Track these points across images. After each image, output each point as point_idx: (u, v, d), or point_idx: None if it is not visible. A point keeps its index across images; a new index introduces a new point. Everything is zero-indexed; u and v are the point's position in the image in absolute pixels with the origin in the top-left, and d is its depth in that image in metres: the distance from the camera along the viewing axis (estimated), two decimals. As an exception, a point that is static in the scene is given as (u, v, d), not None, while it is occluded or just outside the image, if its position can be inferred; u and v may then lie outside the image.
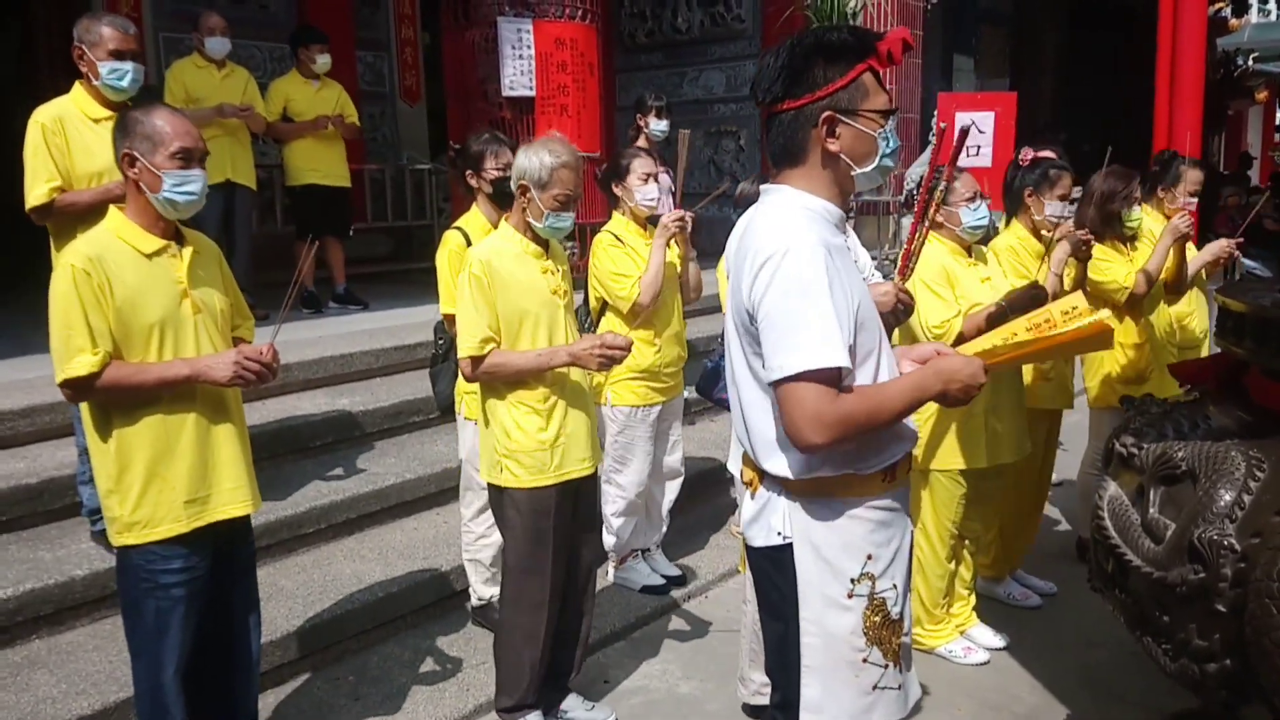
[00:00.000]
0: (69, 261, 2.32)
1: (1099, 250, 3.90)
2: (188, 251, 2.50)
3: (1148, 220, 4.37)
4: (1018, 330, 2.04)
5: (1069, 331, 1.99)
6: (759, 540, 2.00)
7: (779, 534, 1.94)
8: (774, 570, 1.97)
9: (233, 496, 2.54)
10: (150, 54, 7.56)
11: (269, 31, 8.38)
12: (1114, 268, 3.96)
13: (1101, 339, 1.98)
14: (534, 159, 2.88)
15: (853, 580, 1.91)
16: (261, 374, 2.46)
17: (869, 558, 1.92)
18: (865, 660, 1.93)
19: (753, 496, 2.03)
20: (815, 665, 1.94)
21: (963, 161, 6.12)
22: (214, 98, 5.72)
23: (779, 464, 1.91)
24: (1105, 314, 1.98)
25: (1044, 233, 3.82)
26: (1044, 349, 2.02)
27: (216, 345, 2.52)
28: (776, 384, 1.80)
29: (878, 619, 1.93)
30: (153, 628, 2.46)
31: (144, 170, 2.39)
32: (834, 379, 1.77)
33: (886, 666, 1.95)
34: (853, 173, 1.91)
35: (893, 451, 1.95)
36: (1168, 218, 4.43)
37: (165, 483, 2.43)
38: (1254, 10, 17.61)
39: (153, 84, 6.34)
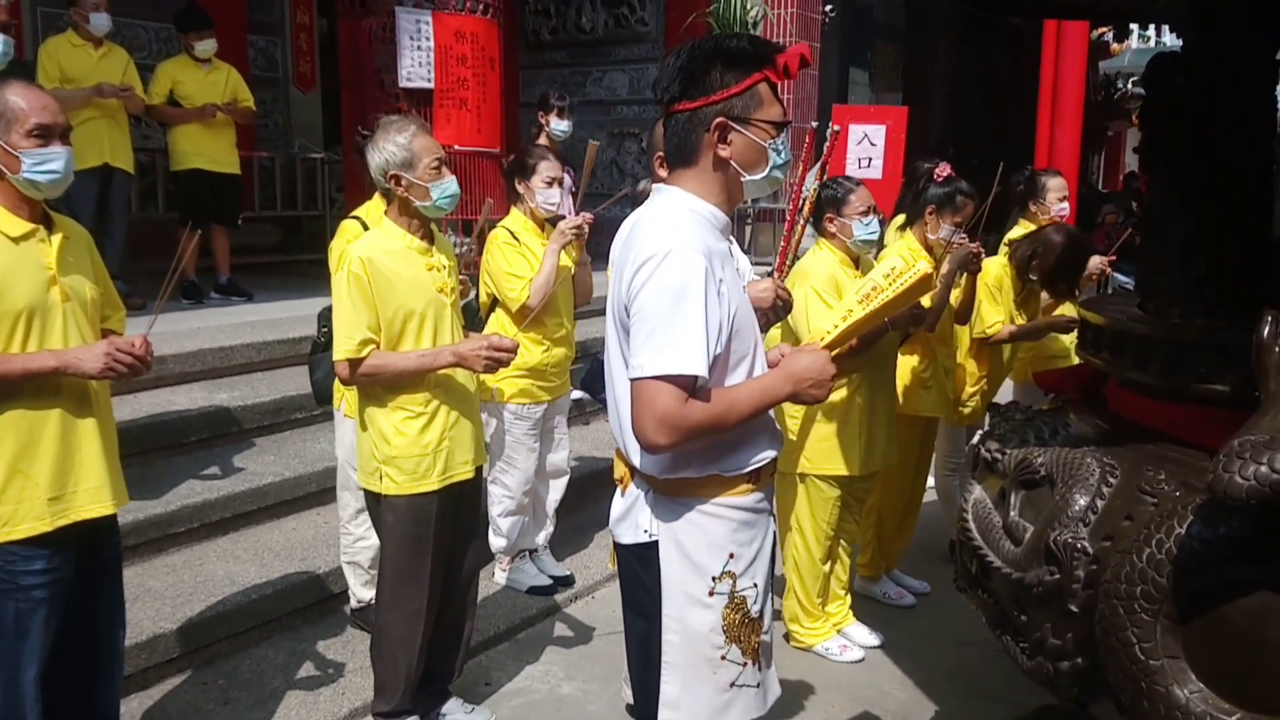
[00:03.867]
0: None
1: (986, 289, 4.10)
2: (57, 236, 2.39)
3: (1024, 232, 4.54)
4: (852, 308, 2.10)
5: (895, 291, 2.05)
6: (626, 538, 2.02)
7: (645, 531, 1.97)
8: (640, 568, 1.99)
9: (96, 495, 2.44)
10: (27, 28, 7.18)
11: (155, 10, 8.04)
12: (990, 309, 4.17)
13: (924, 285, 2.05)
14: (388, 146, 2.80)
15: (714, 578, 1.94)
16: (134, 366, 2.36)
17: (731, 556, 1.95)
18: (724, 658, 1.96)
19: (622, 494, 2.06)
20: (675, 662, 1.96)
21: (855, 173, 6.27)
22: (91, 77, 5.49)
23: (648, 462, 1.93)
24: (922, 265, 2.05)
25: (934, 249, 3.92)
26: (878, 311, 2.07)
27: (85, 335, 2.42)
28: (634, 381, 1.82)
29: (737, 617, 1.96)
30: (11, 630, 2.34)
31: (1, 151, 2.27)
32: (688, 385, 1.80)
33: (745, 664, 1.98)
34: (742, 179, 1.93)
35: (758, 454, 1.99)
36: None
37: (28, 479, 2.31)
38: (1134, 35, 18.47)
39: (28, 59, 6.03)
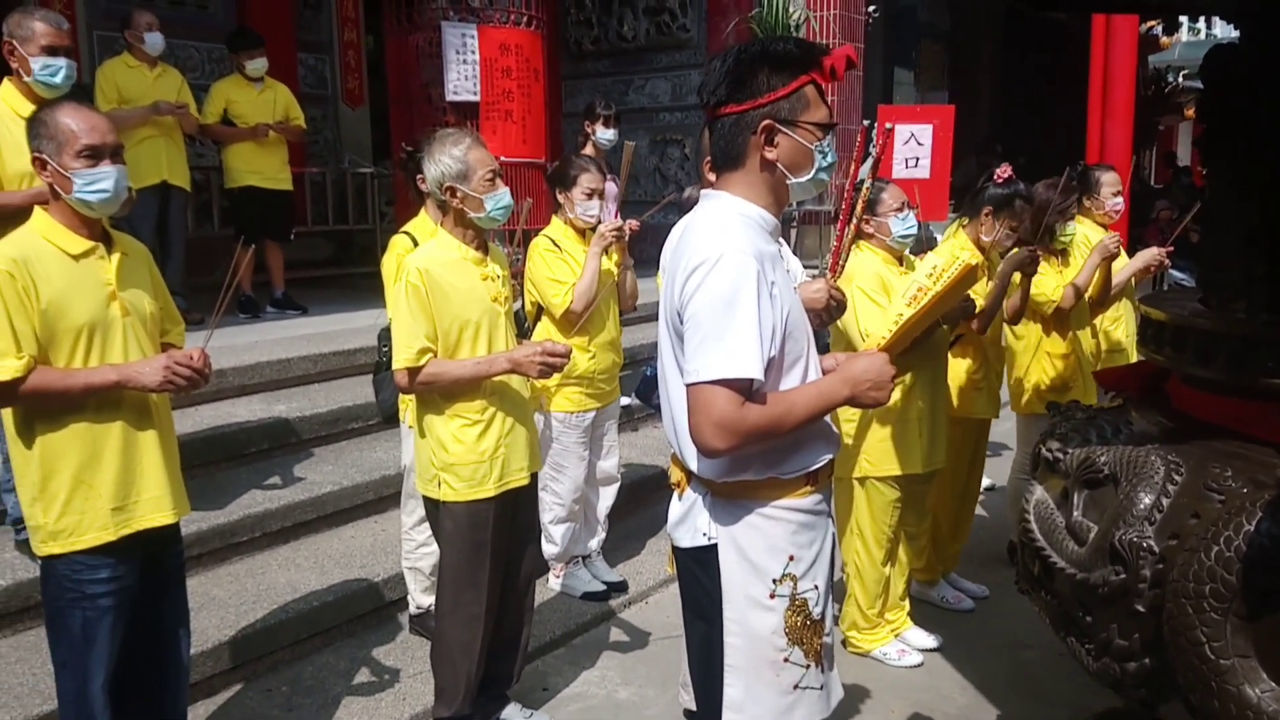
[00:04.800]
0: None
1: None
2: (116, 253, 2.45)
3: (1082, 229, 4.49)
4: (901, 310, 2.10)
5: (944, 286, 2.05)
6: (685, 541, 2.02)
7: (704, 535, 1.97)
8: (699, 571, 1.99)
9: (157, 505, 2.49)
10: (84, 52, 7.39)
11: (207, 32, 8.25)
12: (1043, 280, 4.05)
13: (971, 277, 2.07)
14: (443, 159, 2.85)
15: (775, 581, 1.94)
16: (192, 379, 2.41)
17: (791, 559, 1.95)
18: (787, 660, 1.96)
19: (679, 498, 2.06)
20: (737, 665, 1.96)
21: (902, 173, 6.22)
22: (147, 98, 5.62)
23: (705, 466, 1.94)
24: (965, 257, 2.04)
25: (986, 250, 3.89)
26: (929, 309, 2.07)
27: (145, 350, 2.48)
28: (690, 386, 1.83)
29: (799, 620, 1.96)
30: (79, 639, 2.40)
31: (54, 172, 2.33)
32: (745, 389, 1.80)
33: (808, 667, 1.98)
34: (788, 181, 1.93)
35: (815, 457, 1.99)
36: (1100, 224, 4.57)
37: (91, 490, 2.37)
38: (1184, 28, 18.14)
39: (85, 83, 6.20)
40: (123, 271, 2.45)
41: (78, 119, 2.35)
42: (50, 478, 2.35)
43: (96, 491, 2.38)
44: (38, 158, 2.34)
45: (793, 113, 1.89)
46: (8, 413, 2.39)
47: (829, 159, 1.94)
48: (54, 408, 2.34)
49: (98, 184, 2.35)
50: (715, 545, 1.96)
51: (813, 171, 1.93)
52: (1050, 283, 4.05)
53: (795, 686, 1.97)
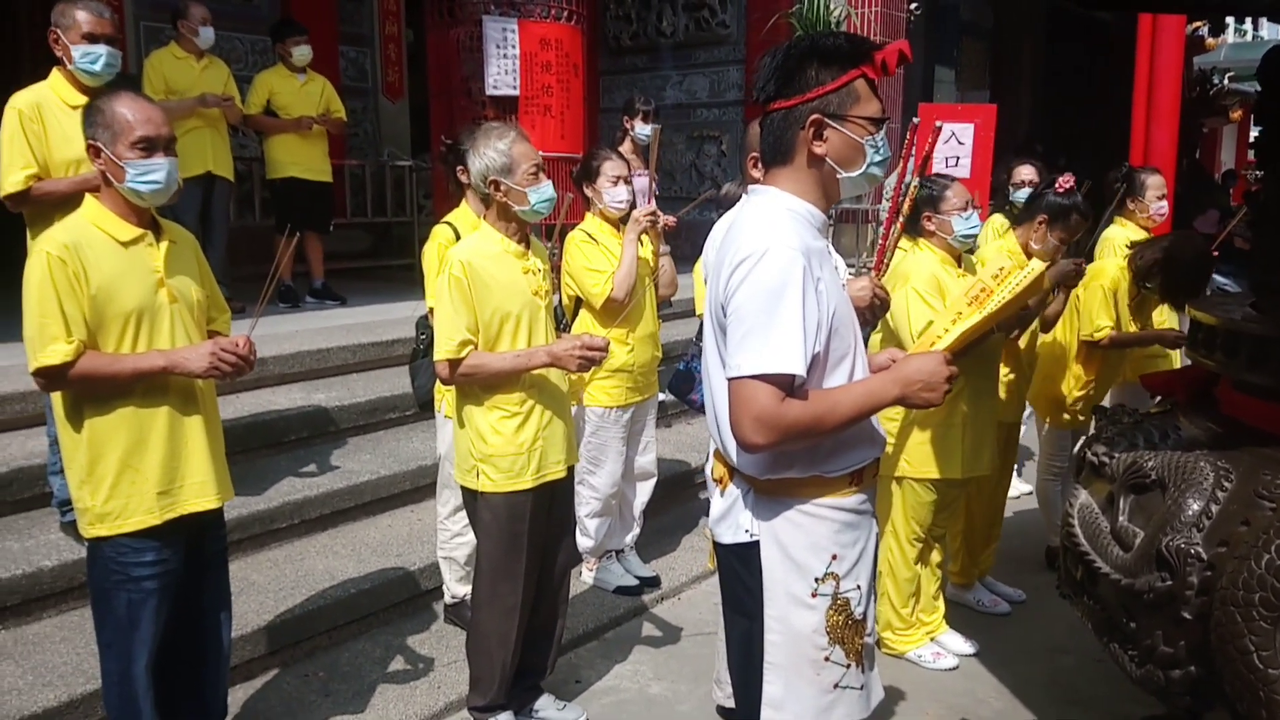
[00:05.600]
0: (44, 249, 2.30)
1: (1100, 292, 4.00)
2: (164, 241, 2.48)
3: (1121, 231, 4.44)
4: (961, 310, 2.06)
5: (1012, 292, 2.02)
6: (727, 537, 2.02)
7: (746, 531, 1.97)
8: (741, 567, 1.99)
9: (202, 490, 2.52)
10: (130, 42, 7.49)
11: (251, 24, 8.33)
12: (1103, 316, 4.05)
13: (1037, 286, 2.05)
14: (488, 152, 2.87)
15: (817, 579, 1.93)
16: (238, 366, 2.45)
17: (834, 558, 1.94)
18: (827, 659, 1.95)
19: (722, 494, 2.06)
20: (778, 662, 1.96)
21: (942, 171, 6.17)
22: (194, 89, 5.69)
23: (748, 462, 1.93)
24: (1036, 264, 2.01)
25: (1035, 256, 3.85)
26: (994, 313, 2.04)
27: (191, 336, 2.51)
28: (731, 380, 1.82)
29: (840, 619, 1.95)
30: (124, 620, 2.44)
31: (108, 161, 2.37)
32: (786, 384, 1.79)
33: (849, 666, 1.97)
34: (839, 176, 1.91)
35: (860, 456, 1.97)
36: (1143, 227, 4.51)
37: (138, 474, 2.41)
38: (1231, 30, 17.85)
39: (132, 73, 6.29)
40: (170, 259, 2.49)
41: (135, 110, 2.38)
42: (98, 461, 2.39)
43: (143, 475, 2.42)
44: (92, 145, 2.37)
45: (842, 107, 1.87)
46: (57, 397, 2.43)
47: (881, 154, 1.92)
48: (102, 392, 2.38)
49: (150, 175, 2.38)
50: (757, 542, 1.95)
51: (864, 166, 1.91)
52: (1103, 319, 4.06)
53: (835, 685, 1.96)
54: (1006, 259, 2.21)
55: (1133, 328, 4.16)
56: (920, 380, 1.88)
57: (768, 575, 1.95)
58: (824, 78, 1.86)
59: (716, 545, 2.09)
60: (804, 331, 1.78)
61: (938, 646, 3.68)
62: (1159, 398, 2.93)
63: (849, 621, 1.96)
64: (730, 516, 2.02)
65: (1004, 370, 3.93)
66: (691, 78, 10.22)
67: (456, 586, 3.69)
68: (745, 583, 1.99)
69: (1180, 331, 4.23)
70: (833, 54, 1.87)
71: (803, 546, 1.94)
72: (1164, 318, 4.47)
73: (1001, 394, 3.93)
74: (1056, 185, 3.76)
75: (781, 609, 1.95)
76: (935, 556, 3.71)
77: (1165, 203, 4.58)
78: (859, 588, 1.98)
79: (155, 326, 2.43)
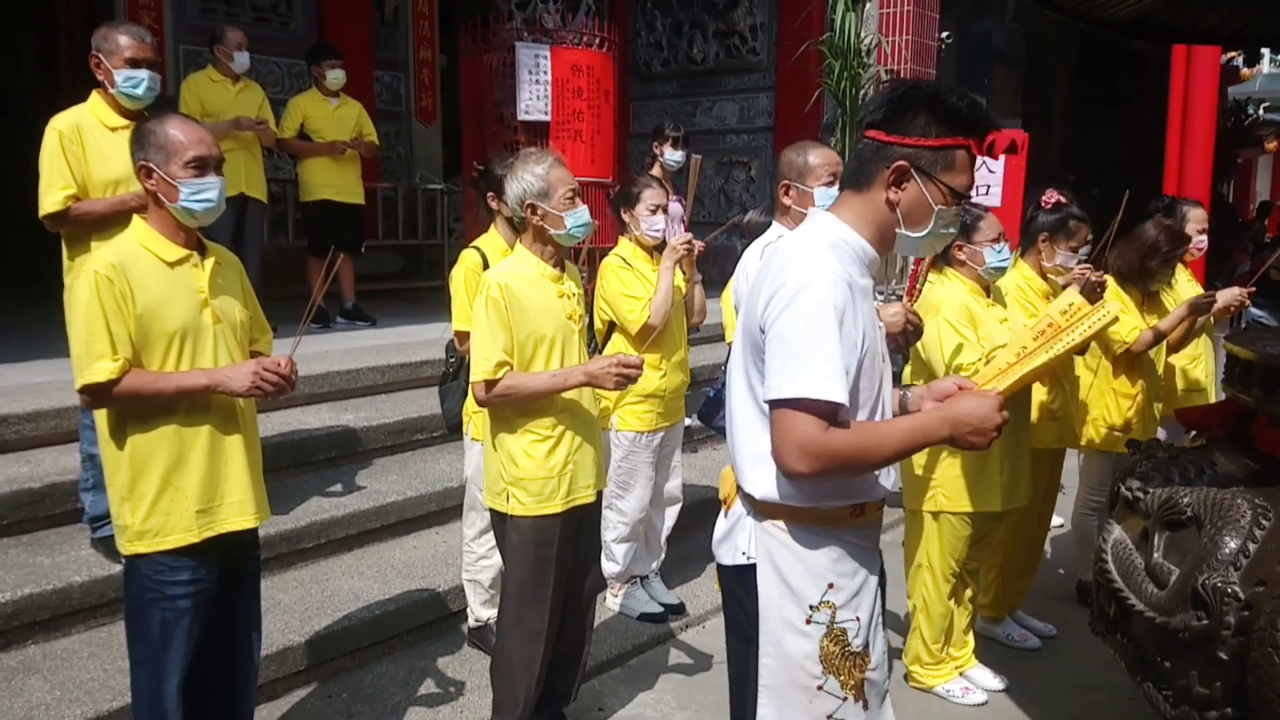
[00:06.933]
0: (93, 268, 2.34)
1: (1117, 296, 3.93)
2: (210, 262, 2.52)
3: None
4: (1025, 343, 2.03)
5: (1083, 336, 1.97)
6: (727, 559, 2.02)
7: (744, 554, 1.96)
8: (739, 590, 1.99)
9: (240, 509, 2.54)
10: (170, 66, 7.62)
11: (289, 48, 8.46)
12: (1124, 318, 3.97)
13: (1109, 327, 1.98)
14: (526, 177, 2.89)
15: (812, 607, 1.91)
16: (279, 385, 2.47)
17: (830, 586, 1.92)
18: (820, 688, 1.92)
19: (725, 514, 2.05)
20: (771, 686, 1.95)
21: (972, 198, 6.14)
22: (229, 111, 5.78)
23: (753, 483, 1.93)
24: (1114, 306, 1.95)
25: (1050, 276, 3.83)
26: (1060, 356, 1.99)
27: (234, 356, 2.54)
28: (773, 405, 1.81)
29: (837, 649, 1.92)
30: (157, 638, 2.45)
31: (160, 181, 2.41)
32: (829, 413, 1.77)
33: (845, 699, 1.94)
34: (898, 230, 1.90)
35: (862, 494, 1.95)
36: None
37: (178, 492, 2.43)
38: (1266, 60, 17.73)
39: (171, 95, 6.39)
40: (215, 279, 2.52)
41: (187, 131, 2.44)
42: (139, 478, 2.41)
43: (183, 493, 2.44)
44: (144, 165, 2.42)
45: (933, 166, 1.85)
46: (101, 414, 2.45)
47: (947, 229, 1.90)
48: (146, 410, 2.41)
49: (203, 194, 2.43)
50: (754, 565, 1.95)
51: (925, 231, 1.88)
52: (1126, 324, 3.96)
53: (829, 717, 1.94)
54: (1075, 296, 2.15)
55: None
56: (971, 424, 1.84)
57: (763, 599, 1.94)
58: (930, 131, 1.84)
59: (719, 567, 2.09)
60: (843, 362, 1.78)
61: (966, 681, 3.63)
62: (1194, 432, 2.89)
63: (846, 653, 1.93)
64: (730, 538, 2.02)
65: (1047, 397, 3.87)
66: (721, 104, 10.27)
67: (481, 610, 3.69)
68: (743, 605, 1.98)
69: (1206, 293, 4.17)
70: (949, 113, 1.85)
71: (798, 572, 1.92)
72: (1199, 352, 4.41)
73: (1046, 420, 3.88)
74: (1042, 203, 3.78)
75: (775, 633, 1.93)
76: (968, 592, 3.66)
77: (1205, 237, 4.52)
78: (858, 619, 1.95)
79: (199, 346, 2.46)
